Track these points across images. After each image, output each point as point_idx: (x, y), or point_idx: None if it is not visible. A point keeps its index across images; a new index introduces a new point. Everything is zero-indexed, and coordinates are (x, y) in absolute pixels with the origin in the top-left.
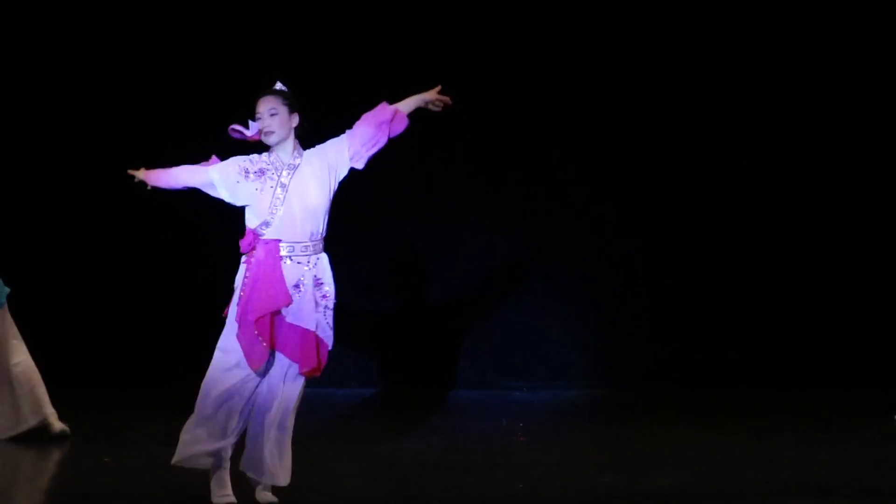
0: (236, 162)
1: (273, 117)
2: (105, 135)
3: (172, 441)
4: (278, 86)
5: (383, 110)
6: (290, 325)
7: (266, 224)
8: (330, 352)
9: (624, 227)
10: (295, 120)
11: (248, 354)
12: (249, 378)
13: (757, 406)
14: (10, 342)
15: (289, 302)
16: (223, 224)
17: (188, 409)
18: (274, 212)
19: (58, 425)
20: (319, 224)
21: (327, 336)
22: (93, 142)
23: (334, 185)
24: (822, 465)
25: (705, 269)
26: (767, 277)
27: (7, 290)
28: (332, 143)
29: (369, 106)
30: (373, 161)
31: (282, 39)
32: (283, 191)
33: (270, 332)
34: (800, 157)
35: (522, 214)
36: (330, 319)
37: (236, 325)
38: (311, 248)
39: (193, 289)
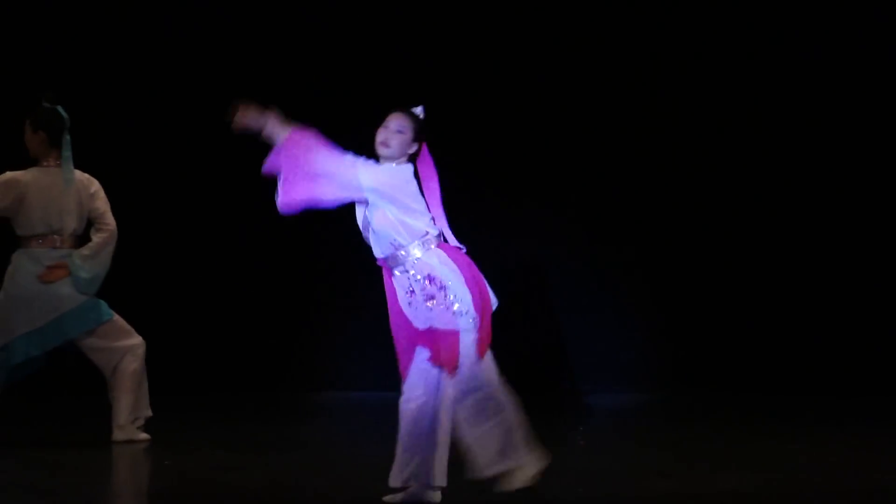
0: None
1: (397, 134)
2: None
3: (233, 446)
4: (419, 111)
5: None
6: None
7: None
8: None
9: (661, 230)
10: (414, 148)
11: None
12: None
13: (813, 410)
14: (123, 345)
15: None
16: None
17: (250, 414)
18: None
19: (119, 436)
20: (399, 237)
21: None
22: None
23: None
24: (879, 469)
25: (763, 272)
26: (825, 281)
27: (110, 314)
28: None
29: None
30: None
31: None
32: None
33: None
34: (840, 162)
35: (571, 214)
36: (460, 305)
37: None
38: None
39: (259, 297)
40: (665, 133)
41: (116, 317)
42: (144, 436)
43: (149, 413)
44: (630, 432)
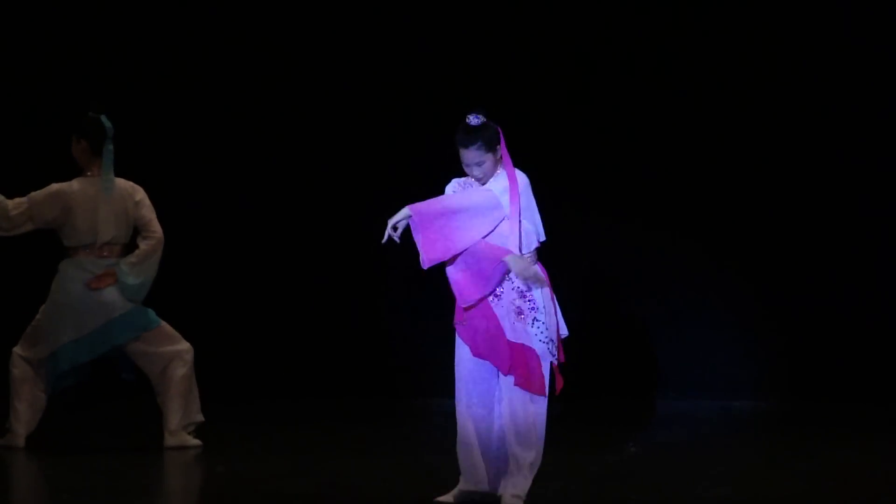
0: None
1: (480, 167)
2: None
3: (286, 452)
4: (473, 120)
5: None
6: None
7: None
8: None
9: (735, 238)
10: (499, 153)
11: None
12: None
13: (872, 418)
14: (169, 350)
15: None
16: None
17: (304, 420)
18: None
19: (171, 442)
20: (510, 247)
21: (538, 347)
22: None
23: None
24: None
25: (833, 281)
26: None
27: (158, 321)
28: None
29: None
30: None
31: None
32: None
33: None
34: None
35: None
36: (541, 329)
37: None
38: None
39: (313, 302)
40: (765, 141)
41: (163, 323)
42: (196, 441)
43: (200, 418)
44: (687, 439)
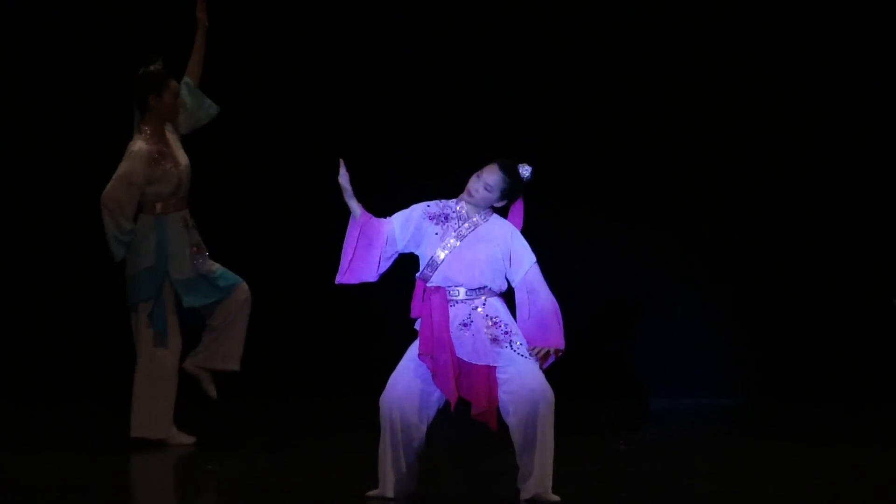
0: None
1: (486, 191)
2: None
3: (281, 450)
4: (525, 171)
5: (556, 331)
6: (468, 363)
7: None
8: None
9: (726, 236)
10: (500, 204)
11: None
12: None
13: (860, 417)
14: (156, 341)
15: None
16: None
17: (299, 418)
18: (442, 257)
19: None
20: (489, 281)
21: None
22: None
23: (506, 266)
24: None
25: (812, 279)
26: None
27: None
28: (521, 246)
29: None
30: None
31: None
32: (458, 241)
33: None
34: None
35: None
36: (521, 346)
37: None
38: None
39: (308, 300)
40: (747, 146)
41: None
42: (190, 439)
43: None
44: (677, 437)
